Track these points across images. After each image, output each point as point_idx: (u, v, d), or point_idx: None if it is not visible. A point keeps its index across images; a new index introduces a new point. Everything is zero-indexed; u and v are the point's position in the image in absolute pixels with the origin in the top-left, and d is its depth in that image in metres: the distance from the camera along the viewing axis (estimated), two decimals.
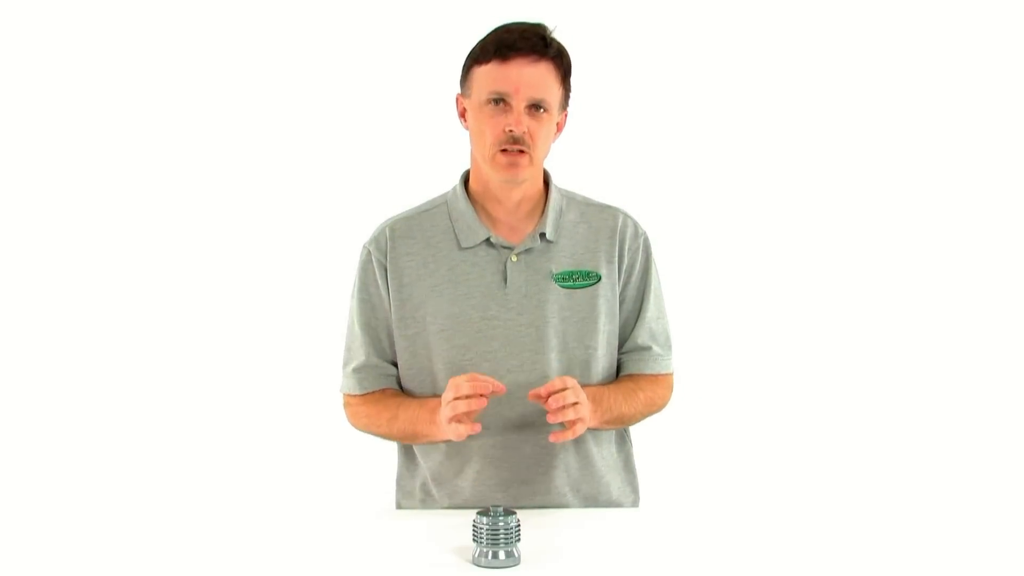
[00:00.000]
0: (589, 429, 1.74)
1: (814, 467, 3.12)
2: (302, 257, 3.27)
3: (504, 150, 1.64)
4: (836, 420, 3.28)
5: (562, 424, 1.59)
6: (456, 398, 1.54)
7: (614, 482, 1.83)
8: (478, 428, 1.57)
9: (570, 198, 1.80)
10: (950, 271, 3.36)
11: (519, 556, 1.41)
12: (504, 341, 1.71)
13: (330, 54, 3.29)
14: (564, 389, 1.56)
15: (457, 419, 1.55)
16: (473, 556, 1.42)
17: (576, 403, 1.56)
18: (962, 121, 3.34)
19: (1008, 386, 3.28)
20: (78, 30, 3.25)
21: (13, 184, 3.28)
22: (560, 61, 1.66)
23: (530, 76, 1.62)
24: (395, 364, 1.80)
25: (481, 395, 1.54)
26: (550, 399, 1.55)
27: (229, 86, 3.31)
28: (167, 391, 3.28)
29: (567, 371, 1.72)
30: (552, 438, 1.59)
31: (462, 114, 1.73)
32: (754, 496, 2.26)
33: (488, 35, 1.67)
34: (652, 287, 1.81)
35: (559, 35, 1.68)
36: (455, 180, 1.80)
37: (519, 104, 1.62)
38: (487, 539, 1.39)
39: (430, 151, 2.35)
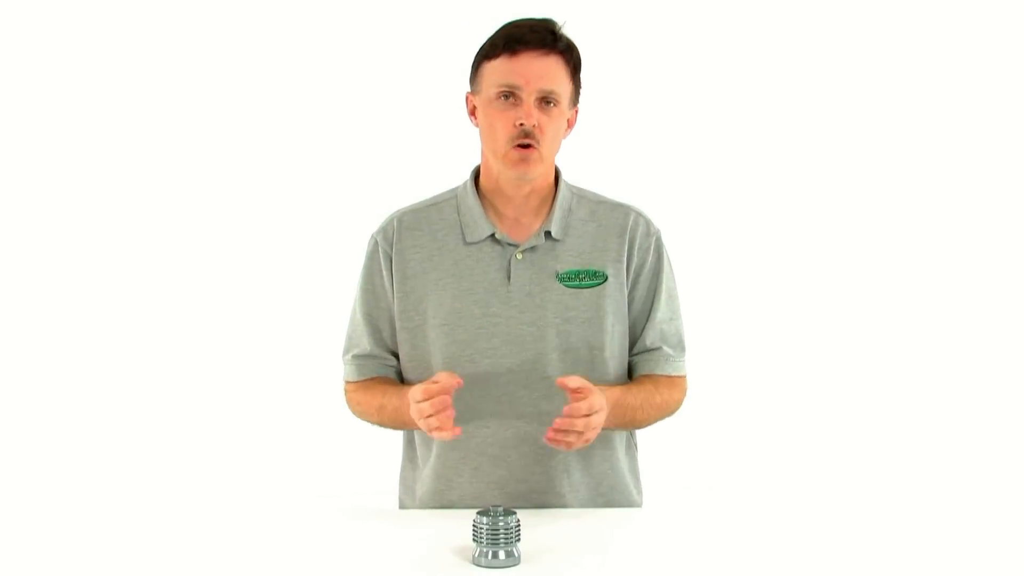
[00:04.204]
0: None
1: (818, 468, 3.12)
2: (319, 249, 3.26)
3: (516, 145, 1.63)
4: (841, 421, 3.28)
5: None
6: (427, 417, 1.54)
7: (617, 484, 1.81)
8: (459, 431, 1.55)
9: (580, 195, 1.79)
10: (959, 271, 3.35)
11: (519, 556, 1.41)
12: (505, 339, 1.70)
13: (347, 50, 3.31)
14: (588, 415, 1.53)
15: (438, 429, 1.55)
16: (473, 556, 1.41)
17: (582, 433, 1.54)
18: (971, 115, 3.34)
19: (1010, 386, 3.28)
20: (82, 31, 3.25)
21: (20, 186, 3.28)
22: (569, 55, 1.66)
23: (539, 69, 1.62)
24: (395, 355, 1.80)
25: (445, 406, 1.53)
26: (563, 421, 1.53)
27: (249, 82, 3.33)
28: (173, 386, 3.29)
29: (570, 371, 1.70)
30: (548, 438, 1.56)
31: (472, 112, 1.73)
32: (757, 497, 2.25)
33: (497, 31, 1.68)
34: (663, 287, 1.78)
35: (569, 31, 1.68)
36: (468, 174, 1.79)
37: (529, 97, 1.62)
38: (487, 539, 1.39)
39: (448, 143, 2.35)
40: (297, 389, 3.13)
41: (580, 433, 1.55)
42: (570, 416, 1.54)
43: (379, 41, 3.30)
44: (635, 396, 1.72)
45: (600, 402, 1.57)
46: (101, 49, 3.27)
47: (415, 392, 1.57)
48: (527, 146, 1.63)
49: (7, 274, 3.28)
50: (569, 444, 1.56)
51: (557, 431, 1.55)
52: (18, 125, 3.27)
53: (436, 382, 1.56)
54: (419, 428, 1.72)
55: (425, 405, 1.54)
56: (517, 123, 1.62)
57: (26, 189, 3.29)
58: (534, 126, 1.62)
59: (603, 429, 1.71)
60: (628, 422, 1.73)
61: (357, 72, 3.32)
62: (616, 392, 1.69)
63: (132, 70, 3.29)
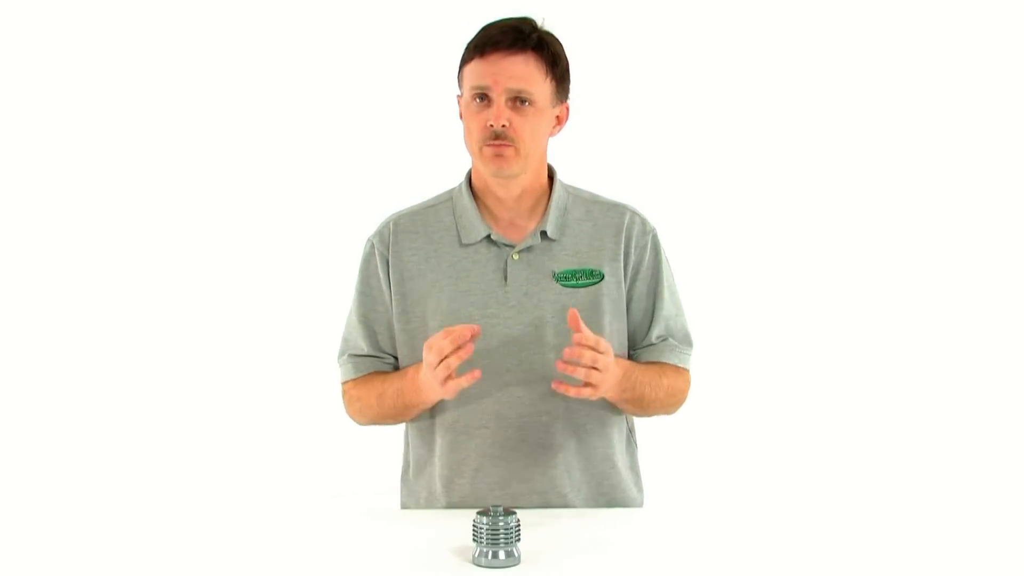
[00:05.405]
0: (593, 429, 1.75)
1: (819, 468, 3.11)
2: (322, 251, 3.25)
3: (489, 144, 1.64)
4: (842, 422, 3.27)
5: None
6: (443, 359, 1.52)
7: (618, 484, 1.81)
8: (478, 374, 1.55)
9: (576, 195, 1.79)
10: (959, 272, 3.34)
11: (519, 556, 1.41)
12: (503, 339, 1.71)
13: (345, 51, 3.30)
14: (595, 350, 1.52)
15: (450, 377, 1.53)
16: (473, 556, 1.41)
17: (595, 368, 1.52)
18: (968, 114, 3.34)
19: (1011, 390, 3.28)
20: (81, 31, 3.26)
21: (18, 186, 3.29)
22: (543, 51, 1.65)
23: (508, 68, 1.62)
24: (392, 356, 1.80)
25: (462, 346, 1.52)
26: (572, 349, 1.51)
27: (247, 84, 3.32)
28: (173, 388, 3.28)
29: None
30: (554, 385, 1.56)
31: (461, 114, 1.74)
32: (758, 496, 2.26)
33: (475, 34, 1.68)
34: (665, 284, 1.79)
35: (550, 28, 1.68)
36: (463, 176, 1.80)
37: (499, 97, 1.63)
38: (487, 539, 1.39)
39: (446, 144, 2.35)
40: (298, 391, 3.13)
41: (592, 369, 1.52)
42: (578, 344, 1.51)
43: (376, 42, 3.30)
44: (644, 373, 1.72)
45: (609, 347, 1.55)
46: (99, 50, 3.27)
47: (435, 336, 1.54)
48: (504, 144, 1.63)
49: (8, 277, 3.28)
50: (580, 390, 1.55)
51: (566, 363, 1.53)
52: (18, 127, 3.27)
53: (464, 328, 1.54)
54: (422, 409, 1.73)
55: (446, 344, 1.50)
56: (487, 124, 1.63)
57: (25, 191, 3.29)
58: (504, 126, 1.62)
59: (611, 404, 1.72)
60: (637, 398, 1.71)
61: (355, 74, 3.31)
62: (625, 363, 1.70)
63: (130, 72, 3.29)
